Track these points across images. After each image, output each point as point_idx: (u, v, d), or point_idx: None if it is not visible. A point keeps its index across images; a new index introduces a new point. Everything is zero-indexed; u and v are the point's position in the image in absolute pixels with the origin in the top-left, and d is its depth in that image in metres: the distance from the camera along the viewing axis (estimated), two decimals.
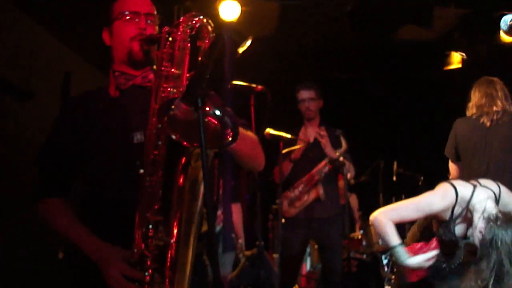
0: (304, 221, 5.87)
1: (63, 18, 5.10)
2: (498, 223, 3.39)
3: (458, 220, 3.80)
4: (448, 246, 3.80)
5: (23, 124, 4.78)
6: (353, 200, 8.57)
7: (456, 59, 8.35)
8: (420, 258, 3.80)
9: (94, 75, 5.69)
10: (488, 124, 4.85)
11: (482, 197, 3.70)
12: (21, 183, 3.84)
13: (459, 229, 3.80)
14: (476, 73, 5.34)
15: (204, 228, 2.48)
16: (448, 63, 8.43)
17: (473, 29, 7.53)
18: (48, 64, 5.11)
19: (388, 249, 7.39)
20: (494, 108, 4.86)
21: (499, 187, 3.78)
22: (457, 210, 3.77)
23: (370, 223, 4.04)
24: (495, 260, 3.31)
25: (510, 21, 2.25)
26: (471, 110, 5.03)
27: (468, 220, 3.76)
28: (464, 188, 3.80)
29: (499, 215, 3.47)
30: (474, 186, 3.78)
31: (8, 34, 4.72)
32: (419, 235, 4.23)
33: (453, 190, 3.78)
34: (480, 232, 3.49)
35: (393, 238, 3.86)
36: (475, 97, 5.01)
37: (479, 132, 4.87)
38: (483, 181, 3.87)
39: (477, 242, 3.53)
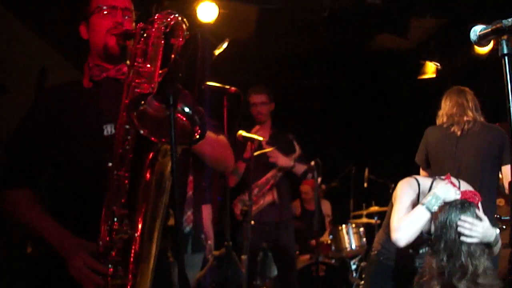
0: (257, 225, 5.78)
1: (41, 12, 5.08)
2: (453, 205, 3.45)
3: None
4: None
5: None
6: (326, 206, 8.60)
7: (430, 69, 8.46)
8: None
9: (69, 71, 5.66)
10: (458, 133, 4.91)
11: (444, 187, 3.75)
12: None
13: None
14: (450, 83, 5.39)
15: (169, 223, 2.50)
16: (423, 73, 8.53)
17: (449, 39, 7.63)
18: (23, 58, 5.08)
19: (357, 254, 7.47)
20: (465, 118, 4.92)
21: (459, 182, 3.82)
22: (421, 199, 3.81)
23: (398, 242, 3.84)
24: (448, 239, 3.36)
25: (479, 32, 2.27)
26: (441, 118, 5.08)
27: None
28: (424, 179, 3.86)
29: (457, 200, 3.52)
30: (434, 178, 3.83)
31: None
32: None
33: (415, 181, 3.83)
34: (436, 216, 3.52)
35: (418, 213, 3.59)
36: (446, 106, 5.07)
37: (450, 140, 4.93)
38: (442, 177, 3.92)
39: (433, 228, 3.55)
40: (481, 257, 3.36)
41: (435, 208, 3.51)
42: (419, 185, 3.79)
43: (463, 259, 3.32)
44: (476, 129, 4.89)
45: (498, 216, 3.98)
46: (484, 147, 4.81)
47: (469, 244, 3.34)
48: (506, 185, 4.70)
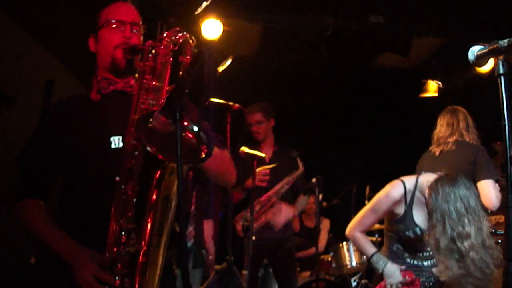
0: (258, 241, 5.76)
1: (48, 25, 5.14)
2: (443, 182, 3.55)
3: (414, 207, 3.96)
4: (413, 240, 3.94)
5: (3, 129, 4.79)
6: (325, 223, 8.61)
7: (432, 88, 8.50)
8: (397, 270, 3.92)
9: (75, 84, 5.72)
10: (437, 154, 5.00)
11: (426, 178, 3.86)
12: None
13: (418, 216, 3.94)
14: (451, 102, 5.44)
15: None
16: (425, 91, 8.57)
17: (450, 58, 7.68)
18: (31, 70, 5.13)
19: (357, 272, 7.49)
20: (452, 138, 4.99)
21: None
22: (409, 197, 3.95)
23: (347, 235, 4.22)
24: (442, 211, 3.47)
25: (477, 52, 2.33)
26: (432, 140, 5.17)
27: (422, 203, 3.91)
28: (409, 178, 4.02)
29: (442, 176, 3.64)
30: (418, 175, 3.98)
31: None
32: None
33: (399, 182, 4.00)
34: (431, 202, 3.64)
35: (368, 249, 4.07)
36: (438, 126, 5.16)
37: (429, 162, 5.02)
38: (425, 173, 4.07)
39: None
40: (484, 219, 3.48)
41: (375, 263, 3.98)
42: (404, 184, 3.97)
43: (467, 227, 3.42)
44: (453, 148, 4.96)
45: (493, 230, 4.04)
46: (457, 165, 4.81)
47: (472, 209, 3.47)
48: (485, 203, 4.66)
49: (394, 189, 3.99)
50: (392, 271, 3.93)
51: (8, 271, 4.71)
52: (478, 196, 3.59)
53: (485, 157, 4.83)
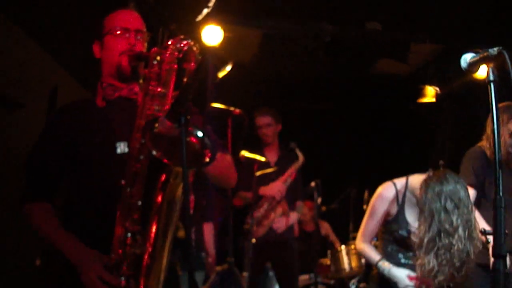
0: (260, 244, 5.88)
1: (54, 33, 5.20)
2: (432, 181, 3.63)
3: (406, 207, 4.10)
4: (406, 238, 4.05)
5: (10, 133, 4.85)
6: (325, 226, 8.65)
7: (430, 93, 8.56)
8: (403, 272, 4.01)
9: (79, 90, 5.76)
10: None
11: (416, 179, 3.98)
12: (5, 191, 3.89)
13: (410, 216, 4.07)
14: (448, 107, 5.49)
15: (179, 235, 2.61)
16: (422, 97, 8.64)
17: (447, 64, 7.75)
18: (37, 76, 5.18)
19: (355, 275, 7.53)
20: None
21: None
22: (400, 198, 4.09)
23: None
24: (430, 210, 3.55)
25: (469, 60, 2.41)
26: None
27: (413, 203, 4.04)
28: (399, 179, 4.15)
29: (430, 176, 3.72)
30: (408, 176, 4.13)
31: None
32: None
33: (390, 183, 4.14)
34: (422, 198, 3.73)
35: (373, 258, 4.15)
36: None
37: None
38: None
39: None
40: (472, 210, 3.60)
41: (381, 270, 4.08)
42: (395, 184, 4.12)
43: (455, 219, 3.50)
44: None
45: (482, 229, 4.10)
46: None
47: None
48: None
49: (386, 190, 4.12)
50: (397, 276, 4.01)
51: (13, 273, 4.75)
52: (466, 187, 3.65)
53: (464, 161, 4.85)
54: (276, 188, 6.03)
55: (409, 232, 4.02)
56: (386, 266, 4.06)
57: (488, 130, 4.60)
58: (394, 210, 4.08)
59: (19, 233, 2.82)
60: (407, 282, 3.97)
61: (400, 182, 4.13)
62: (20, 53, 4.99)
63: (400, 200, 4.08)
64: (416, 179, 3.96)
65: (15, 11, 4.83)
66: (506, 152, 4.44)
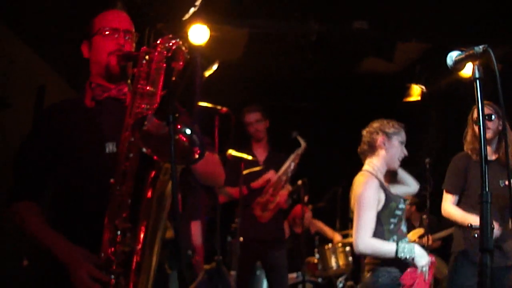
0: (248, 242, 5.89)
1: (41, 31, 5.19)
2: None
3: (386, 186, 4.27)
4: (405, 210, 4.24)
5: None
6: (318, 224, 8.64)
7: (416, 92, 8.60)
8: (424, 251, 4.03)
9: (66, 89, 5.75)
10: None
11: (372, 162, 4.40)
12: None
13: (395, 189, 4.36)
14: (435, 106, 5.52)
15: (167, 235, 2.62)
16: (408, 95, 8.67)
17: (433, 63, 7.79)
18: (24, 75, 5.17)
19: (343, 273, 7.56)
20: None
21: None
22: (380, 181, 4.23)
23: (358, 254, 4.24)
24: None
25: (455, 57, 2.43)
26: None
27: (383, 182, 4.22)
28: (365, 169, 4.44)
29: None
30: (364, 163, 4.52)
31: None
32: None
33: (365, 172, 4.33)
34: None
35: (389, 248, 4.00)
36: None
37: None
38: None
39: None
40: None
41: (402, 255, 3.94)
42: (372, 174, 4.28)
43: None
44: None
45: (470, 224, 4.18)
46: None
47: None
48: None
49: (370, 179, 4.20)
50: (422, 252, 3.98)
51: (0, 274, 4.74)
52: None
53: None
54: (281, 171, 6.12)
55: (405, 202, 4.20)
56: (407, 245, 3.97)
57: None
58: (382, 195, 4.12)
59: (5, 233, 2.79)
60: (428, 258, 3.98)
61: (368, 169, 4.33)
62: (6, 52, 4.97)
63: (381, 183, 4.20)
64: (373, 162, 4.35)
65: (2, 10, 4.81)
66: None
